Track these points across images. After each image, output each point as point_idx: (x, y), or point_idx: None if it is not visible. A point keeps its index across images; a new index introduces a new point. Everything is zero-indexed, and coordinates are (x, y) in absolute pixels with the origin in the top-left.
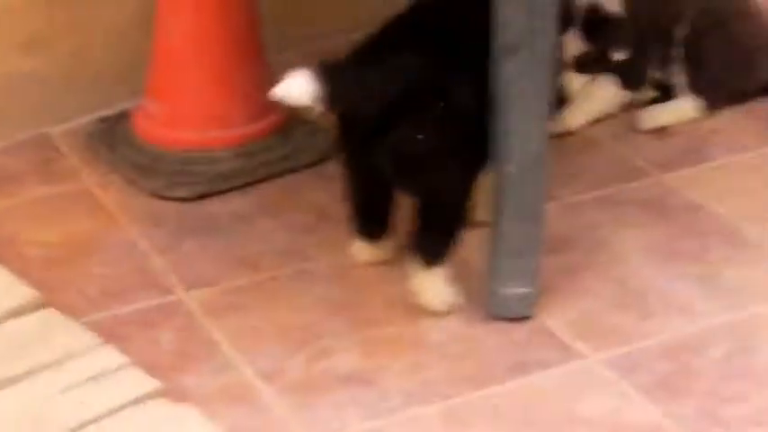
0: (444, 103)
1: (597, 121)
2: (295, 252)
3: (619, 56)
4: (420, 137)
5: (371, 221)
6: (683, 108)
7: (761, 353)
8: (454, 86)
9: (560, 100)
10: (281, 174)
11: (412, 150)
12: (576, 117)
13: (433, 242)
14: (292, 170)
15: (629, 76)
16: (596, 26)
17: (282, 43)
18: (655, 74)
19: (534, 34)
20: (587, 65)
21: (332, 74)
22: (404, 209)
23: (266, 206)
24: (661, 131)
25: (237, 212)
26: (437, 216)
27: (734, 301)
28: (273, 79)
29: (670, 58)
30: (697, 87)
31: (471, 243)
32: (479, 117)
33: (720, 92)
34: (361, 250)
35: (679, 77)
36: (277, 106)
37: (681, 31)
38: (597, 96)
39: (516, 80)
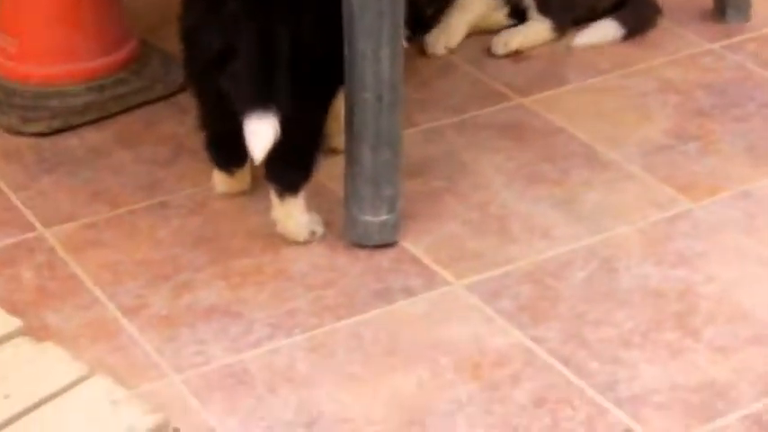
0: (286, 31)
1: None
2: (153, 185)
3: None
4: (256, 63)
5: (227, 151)
6: (534, 31)
7: (623, 274)
8: (293, 15)
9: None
10: (136, 107)
11: (250, 76)
12: (445, 40)
13: (288, 171)
14: (148, 103)
15: None
16: None
17: None
18: None
19: None
20: None
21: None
22: None
23: (123, 140)
24: (517, 55)
25: (94, 147)
26: (290, 145)
27: (594, 223)
28: (124, 13)
29: None
30: (545, 9)
31: (332, 171)
32: (325, 43)
33: (568, 12)
34: (220, 181)
35: (528, 1)
36: (130, 39)
37: None
38: (469, 15)
39: (364, 6)
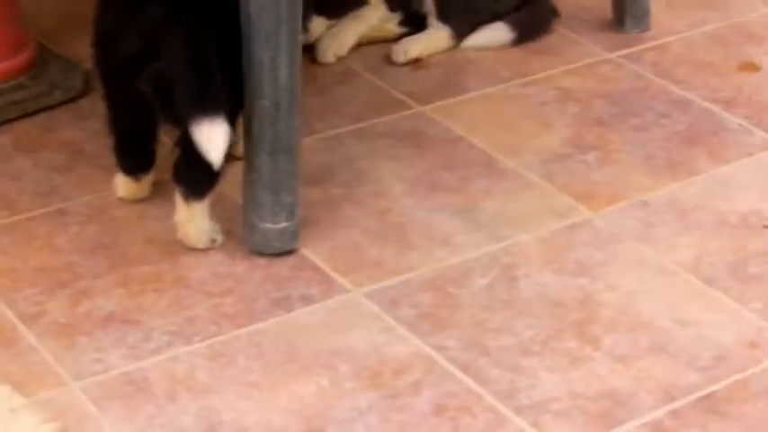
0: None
1: (354, 51)
2: (51, 191)
3: None
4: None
5: (136, 156)
6: (433, 38)
7: (522, 282)
8: (215, 19)
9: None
10: (34, 112)
11: (165, 84)
12: (335, 48)
13: (194, 175)
14: (46, 108)
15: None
16: None
17: None
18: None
19: None
20: (326, 8)
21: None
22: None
23: (21, 146)
24: (417, 63)
25: None
26: (197, 150)
27: (494, 231)
28: (22, 17)
29: None
30: (444, 17)
31: (232, 179)
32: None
33: (467, 20)
34: (123, 186)
35: (428, 7)
36: (28, 44)
37: None
38: (362, 24)
39: (262, 14)
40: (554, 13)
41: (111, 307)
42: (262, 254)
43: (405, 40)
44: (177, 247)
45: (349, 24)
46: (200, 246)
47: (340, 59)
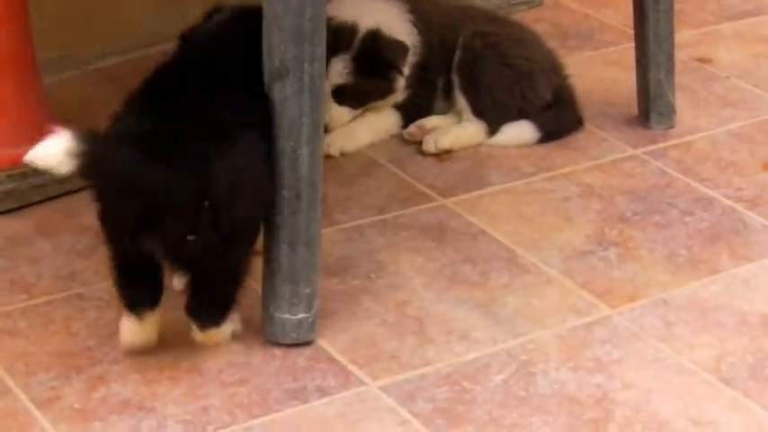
0: (209, 202)
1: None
2: (71, 276)
3: (399, 80)
4: (191, 238)
5: (141, 287)
6: (466, 132)
7: (539, 379)
8: (220, 180)
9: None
10: (57, 196)
11: (184, 249)
12: (342, 143)
13: (211, 311)
14: (69, 192)
15: (412, 114)
16: (375, 55)
17: (63, 64)
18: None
19: (302, 60)
20: (350, 97)
21: (94, 149)
22: None
23: (42, 229)
24: (442, 156)
25: (13, 235)
26: (213, 289)
27: (512, 327)
28: (47, 100)
29: (450, 85)
30: (478, 111)
31: (253, 268)
32: (251, 204)
33: (500, 114)
34: (128, 330)
35: (460, 102)
36: (53, 128)
37: (457, 56)
38: (373, 127)
39: (285, 105)
40: (579, 121)
41: (127, 393)
42: (279, 344)
43: (436, 132)
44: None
45: (363, 125)
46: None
47: (362, 151)
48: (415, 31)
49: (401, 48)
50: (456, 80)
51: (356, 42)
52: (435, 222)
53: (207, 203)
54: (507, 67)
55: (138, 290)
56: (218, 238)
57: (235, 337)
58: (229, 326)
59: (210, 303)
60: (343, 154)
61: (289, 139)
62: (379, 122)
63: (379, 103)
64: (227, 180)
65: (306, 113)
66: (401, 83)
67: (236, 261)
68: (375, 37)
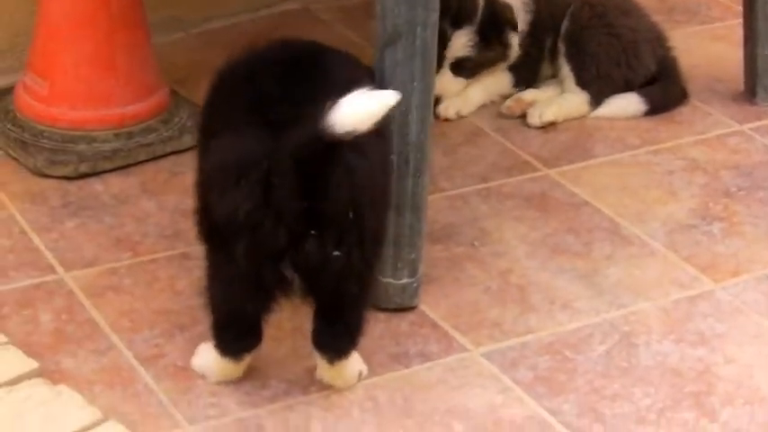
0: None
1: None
2: (175, 235)
3: (514, 40)
4: (336, 254)
5: (244, 335)
6: (571, 103)
7: (641, 351)
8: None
9: None
10: (163, 155)
11: (331, 267)
12: (459, 106)
13: (336, 342)
14: (174, 152)
15: (523, 74)
16: (494, 19)
17: (171, 25)
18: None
19: (414, 25)
20: (469, 68)
21: None
22: None
23: (148, 188)
24: (545, 128)
25: (119, 193)
26: (345, 314)
27: (615, 298)
28: (155, 61)
29: (557, 53)
30: (582, 82)
31: None
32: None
33: (605, 85)
34: (219, 369)
35: (565, 73)
36: (160, 89)
37: (564, 26)
38: (487, 89)
39: (395, 70)
40: (684, 94)
41: None
42: (382, 308)
43: (540, 104)
44: (297, 300)
45: (477, 88)
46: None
47: (467, 119)
48: None
49: (510, 8)
50: (562, 48)
51: (479, 14)
52: (539, 192)
53: (352, 214)
54: (614, 36)
55: (243, 335)
56: (360, 252)
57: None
58: (358, 363)
59: (342, 331)
60: (460, 116)
61: (399, 104)
62: (493, 84)
63: (495, 67)
64: (367, 190)
65: (417, 78)
66: (516, 43)
67: (370, 279)
68: (491, 3)
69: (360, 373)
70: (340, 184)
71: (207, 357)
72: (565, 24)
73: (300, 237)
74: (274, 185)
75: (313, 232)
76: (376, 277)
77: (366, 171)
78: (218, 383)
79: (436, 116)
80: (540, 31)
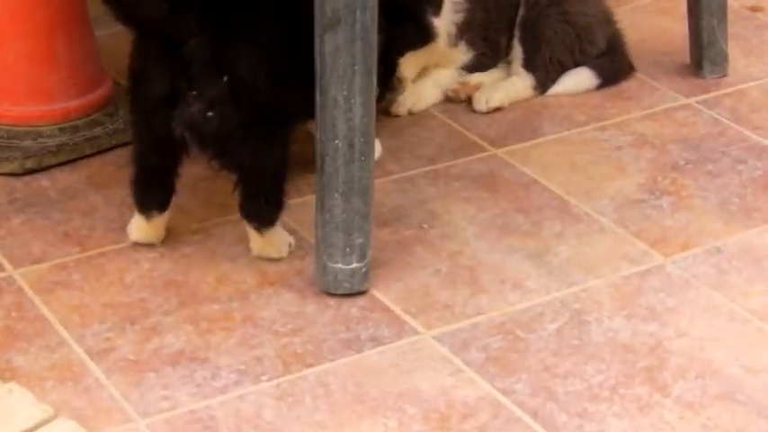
0: (228, 77)
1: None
2: (124, 228)
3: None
4: (210, 114)
5: (154, 191)
6: (516, 87)
7: (592, 328)
8: (237, 59)
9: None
10: (109, 149)
11: (205, 127)
12: (412, 102)
13: (260, 210)
14: (120, 145)
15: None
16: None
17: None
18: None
19: (353, 8)
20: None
21: None
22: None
23: (95, 182)
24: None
25: (65, 188)
26: (256, 186)
27: (565, 276)
28: (99, 53)
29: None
30: (530, 65)
31: (303, 217)
32: (272, 86)
33: (553, 71)
34: (137, 228)
35: (515, 53)
36: (104, 81)
37: (520, 13)
38: (439, 86)
39: (337, 54)
40: (631, 66)
41: (180, 344)
42: (332, 294)
43: (486, 89)
44: (247, 286)
45: (429, 84)
46: (282, 256)
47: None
48: None
49: None
50: (517, 33)
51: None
52: (487, 172)
53: (225, 78)
54: (569, 24)
55: (151, 192)
56: (237, 117)
57: (287, 286)
58: (285, 235)
59: (259, 200)
60: (411, 113)
61: (341, 88)
62: (446, 80)
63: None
64: (249, 59)
65: (358, 62)
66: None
67: (269, 150)
68: None
69: (289, 245)
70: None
71: (130, 223)
72: (521, 12)
73: (182, 95)
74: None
75: (194, 93)
76: (282, 154)
77: (248, 47)
78: (171, 379)
79: (388, 113)
80: (492, 32)
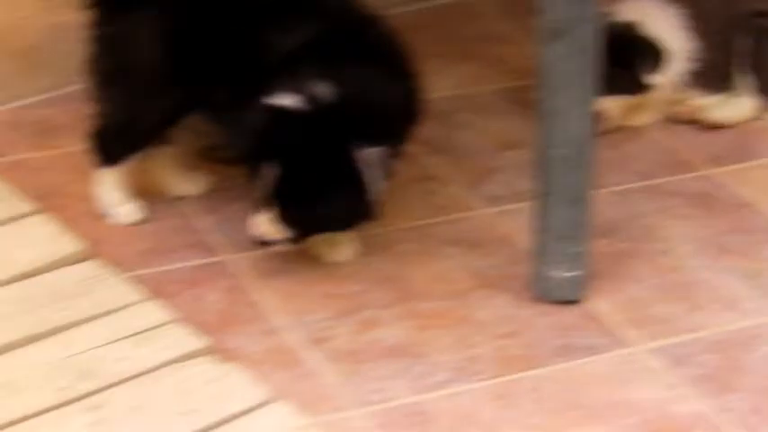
0: None
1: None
2: None
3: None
4: None
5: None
6: (743, 107)
7: None
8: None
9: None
10: None
11: None
12: (644, 115)
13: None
14: None
15: (713, 79)
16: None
17: None
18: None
19: (573, 22)
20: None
21: None
22: None
23: None
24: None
25: None
26: None
27: None
28: None
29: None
30: (763, 88)
31: (519, 224)
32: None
33: None
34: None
35: (748, 79)
36: None
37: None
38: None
39: (559, 64)
40: None
41: (396, 339)
42: (547, 301)
43: (712, 106)
44: (463, 287)
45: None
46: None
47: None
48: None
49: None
50: (749, 61)
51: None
52: (701, 191)
53: None
54: None
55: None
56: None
57: (504, 290)
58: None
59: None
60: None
61: (562, 98)
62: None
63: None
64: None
65: (578, 73)
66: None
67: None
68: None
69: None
70: None
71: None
72: (749, 40)
73: None
74: None
75: None
76: None
77: None
78: (387, 371)
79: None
80: (723, 68)
